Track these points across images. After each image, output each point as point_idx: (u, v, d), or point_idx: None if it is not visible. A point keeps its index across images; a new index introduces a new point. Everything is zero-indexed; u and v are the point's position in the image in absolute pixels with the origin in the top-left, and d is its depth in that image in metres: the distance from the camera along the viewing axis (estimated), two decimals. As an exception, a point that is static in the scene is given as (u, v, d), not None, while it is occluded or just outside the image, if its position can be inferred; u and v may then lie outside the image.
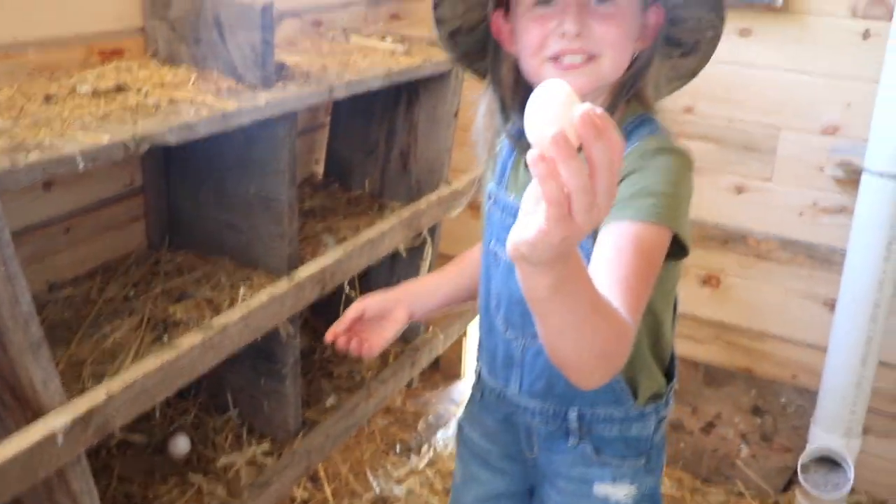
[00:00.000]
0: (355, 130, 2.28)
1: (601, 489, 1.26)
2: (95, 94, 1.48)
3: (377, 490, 2.48)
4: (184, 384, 1.45)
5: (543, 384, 1.23)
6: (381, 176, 2.27)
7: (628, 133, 1.13)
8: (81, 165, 1.22)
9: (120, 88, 1.54)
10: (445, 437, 2.76)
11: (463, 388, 3.04)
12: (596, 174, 0.67)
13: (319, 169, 2.36)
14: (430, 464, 2.62)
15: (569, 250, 0.75)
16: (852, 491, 2.32)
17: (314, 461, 1.86)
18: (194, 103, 1.49)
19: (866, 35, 2.17)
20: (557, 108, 0.70)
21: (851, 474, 2.24)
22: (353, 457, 2.61)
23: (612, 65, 1.10)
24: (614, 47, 1.09)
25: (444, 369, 3.05)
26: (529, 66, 1.14)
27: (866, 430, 2.37)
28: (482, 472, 1.41)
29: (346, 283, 1.87)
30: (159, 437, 1.86)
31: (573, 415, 1.23)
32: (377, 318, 1.36)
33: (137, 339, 1.54)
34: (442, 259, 2.78)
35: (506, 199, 1.25)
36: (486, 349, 1.32)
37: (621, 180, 1.03)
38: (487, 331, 1.31)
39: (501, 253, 1.24)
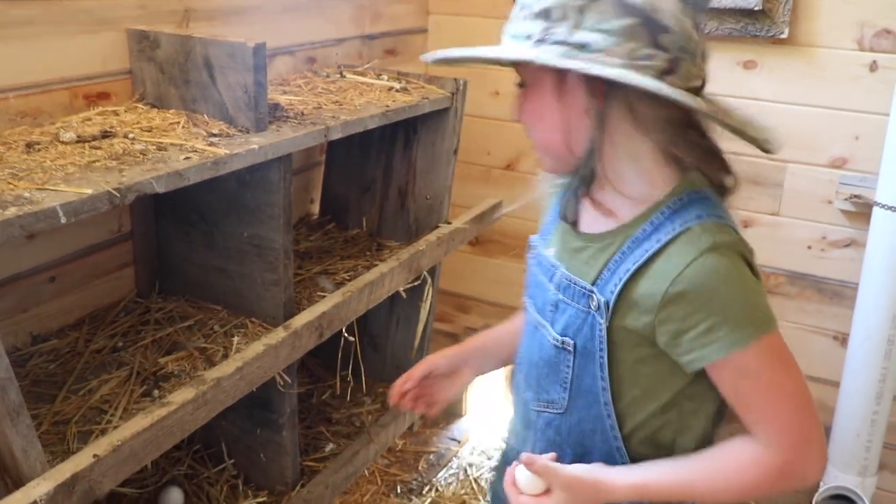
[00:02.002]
0: (352, 168, 2.23)
1: None
2: (80, 140, 1.43)
3: (378, 536, 2.40)
4: (175, 443, 1.38)
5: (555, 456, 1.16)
6: (379, 214, 2.22)
7: (671, 214, 1.02)
8: (63, 220, 1.17)
9: (106, 134, 1.49)
10: (447, 477, 2.69)
11: (464, 427, 2.96)
12: None
13: (315, 208, 2.31)
14: (433, 507, 2.55)
15: None
16: (867, 530, 2.25)
17: (313, 514, 1.79)
18: (184, 149, 1.44)
19: (873, 67, 2.12)
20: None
21: (868, 515, 2.17)
22: (353, 500, 2.53)
23: (546, 152, 1.09)
24: (535, 134, 1.08)
25: (445, 407, 2.97)
26: None
27: (881, 467, 2.30)
28: None
29: (344, 328, 1.81)
30: (151, 490, 1.80)
31: None
32: (443, 376, 1.33)
33: (126, 395, 1.48)
34: (442, 297, 2.73)
35: (542, 254, 1.19)
36: (514, 405, 1.28)
37: (672, 297, 0.98)
38: (515, 386, 1.26)
39: (530, 308, 1.19)
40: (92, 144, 1.43)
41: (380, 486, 2.62)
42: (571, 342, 1.09)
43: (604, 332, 1.05)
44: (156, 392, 1.48)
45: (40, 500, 1.14)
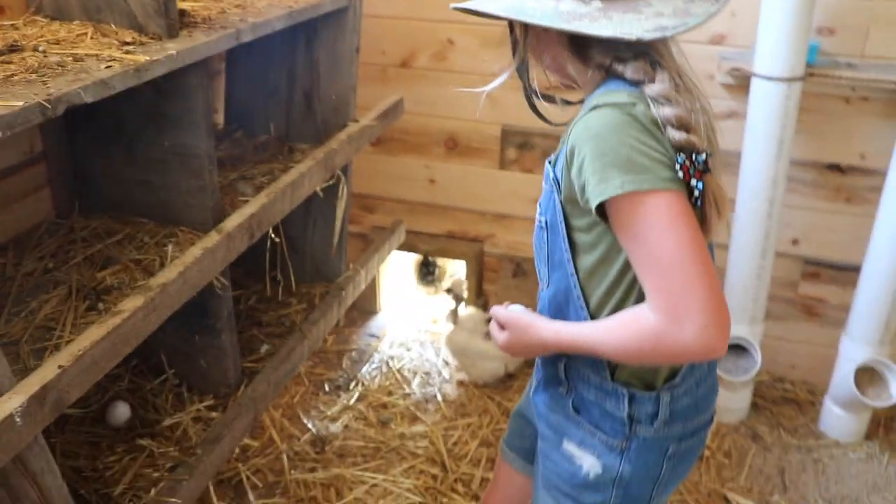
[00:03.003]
0: (254, 75, 2.22)
1: (568, 447, 1.29)
2: (-10, 56, 1.39)
3: (314, 430, 2.49)
4: (130, 350, 1.41)
5: None
6: (286, 119, 2.23)
7: (584, 109, 1.13)
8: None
9: (13, 48, 1.45)
10: (371, 372, 2.79)
11: (380, 323, 3.06)
12: None
13: (219, 118, 2.29)
14: (361, 398, 2.65)
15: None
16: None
17: (260, 409, 1.85)
18: (101, 59, 1.42)
19: (746, -56, 2.25)
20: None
21: (759, 357, 2.40)
22: (284, 402, 2.61)
23: None
24: None
25: (360, 306, 3.06)
26: None
27: (766, 316, 2.54)
28: (531, 389, 1.44)
29: (270, 229, 1.84)
30: (95, 408, 1.82)
31: (561, 364, 1.28)
32: None
33: (70, 311, 1.48)
34: (355, 199, 2.77)
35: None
36: None
37: (568, 155, 1.10)
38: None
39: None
40: (1, 59, 1.40)
41: (308, 386, 2.71)
42: (545, 219, 1.21)
43: (558, 205, 1.16)
44: (100, 305, 1.50)
45: (16, 413, 1.16)
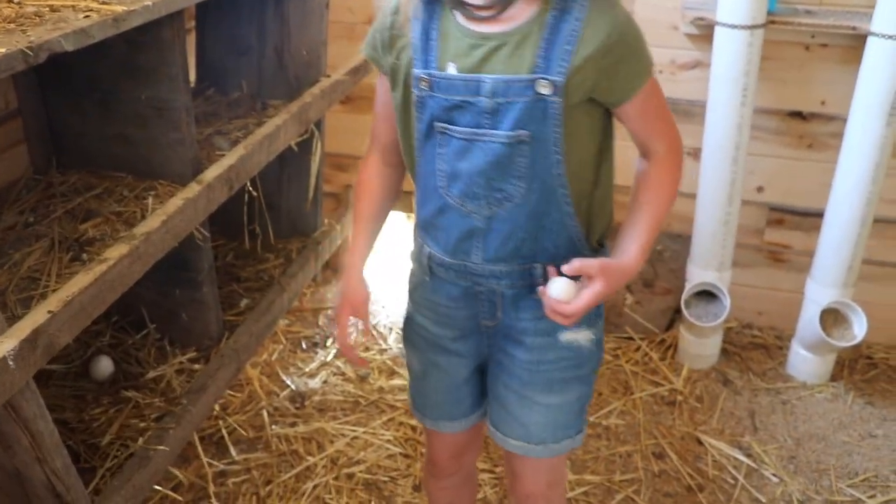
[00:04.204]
0: (224, 32, 2.22)
1: (567, 336, 1.32)
2: (-35, 7, 1.39)
3: (293, 386, 2.52)
4: (116, 298, 1.43)
5: (511, 248, 1.26)
6: (258, 75, 2.23)
7: (561, 11, 1.14)
8: (-17, 80, 1.16)
9: (-14, 0, 1.45)
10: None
11: (355, 282, 3.09)
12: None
13: (191, 76, 2.29)
14: (338, 355, 2.68)
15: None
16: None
17: (243, 361, 1.88)
18: (78, 9, 1.42)
19: None
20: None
21: (728, 302, 2.47)
22: (262, 360, 2.64)
23: None
24: None
25: (333, 265, 3.08)
26: None
27: (733, 263, 2.60)
28: (442, 359, 1.43)
29: (248, 182, 1.86)
30: (78, 364, 1.83)
31: (537, 270, 1.28)
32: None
33: (54, 262, 1.50)
34: (325, 159, 2.79)
35: (444, 78, 1.19)
36: (440, 229, 1.31)
37: (610, 46, 1.15)
38: (438, 212, 1.29)
39: (452, 131, 1.21)
40: (-23, 10, 1.40)
41: (285, 344, 2.73)
42: (526, 133, 1.17)
43: (560, 111, 1.15)
44: (84, 256, 1.51)
45: (9, 356, 1.18)
